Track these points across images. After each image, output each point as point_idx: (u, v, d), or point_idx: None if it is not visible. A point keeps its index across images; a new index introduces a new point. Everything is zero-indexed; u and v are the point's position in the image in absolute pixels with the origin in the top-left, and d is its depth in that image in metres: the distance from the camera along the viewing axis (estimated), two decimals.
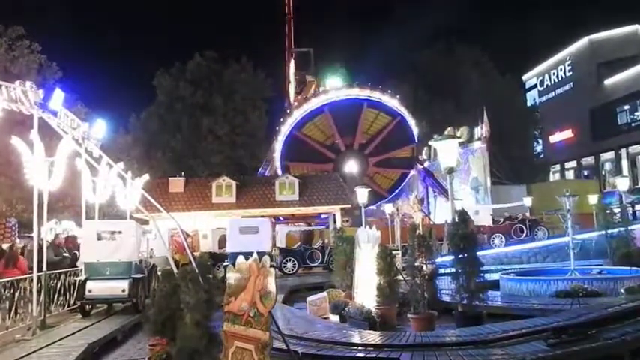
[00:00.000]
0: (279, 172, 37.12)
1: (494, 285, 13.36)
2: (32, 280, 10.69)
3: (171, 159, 41.60)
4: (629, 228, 16.82)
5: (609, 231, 16.85)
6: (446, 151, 10.67)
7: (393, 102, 37.98)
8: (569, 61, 54.77)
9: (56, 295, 12.27)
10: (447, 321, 10.27)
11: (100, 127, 14.96)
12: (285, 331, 7.56)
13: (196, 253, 16.02)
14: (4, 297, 10.21)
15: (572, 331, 7.39)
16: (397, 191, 39.19)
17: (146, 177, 20.48)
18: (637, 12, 45.33)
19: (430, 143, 13.52)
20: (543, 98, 58.53)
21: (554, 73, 57.23)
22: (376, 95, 37.59)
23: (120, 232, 13.17)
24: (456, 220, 10.27)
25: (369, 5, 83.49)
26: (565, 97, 54.75)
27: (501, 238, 25.17)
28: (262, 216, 25.64)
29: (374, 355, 7.64)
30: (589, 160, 52.05)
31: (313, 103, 37.38)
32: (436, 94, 47.28)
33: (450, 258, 11.25)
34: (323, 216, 30.12)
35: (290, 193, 27.32)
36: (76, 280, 12.48)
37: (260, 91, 46.68)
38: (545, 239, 23.05)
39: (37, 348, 8.77)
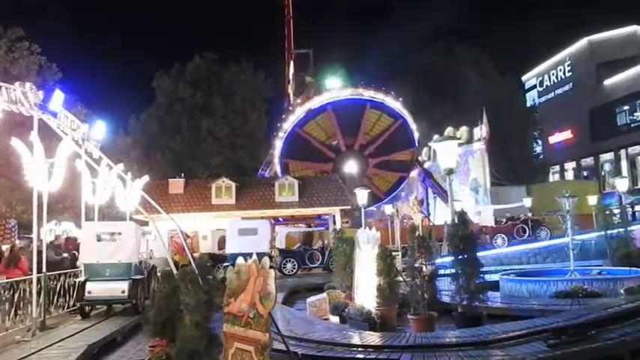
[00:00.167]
0: (278, 168, 37.12)
1: (494, 286, 13.36)
2: (32, 281, 10.69)
3: (170, 160, 41.59)
4: (629, 229, 16.82)
5: (609, 232, 16.85)
6: (445, 152, 10.67)
7: (396, 104, 37.98)
8: (568, 62, 54.81)
9: (56, 297, 12.27)
10: (446, 322, 10.27)
11: (100, 129, 14.97)
12: (285, 333, 7.55)
13: (196, 254, 16.03)
14: (3, 298, 10.21)
15: (572, 331, 7.39)
16: (394, 194, 39.19)
17: (146, 178, 20.48)
18: (636, 12, 45.43)
19: (430, 144, 13.52)
20: (543, 99, 58.57)
21: (553, 74, 57.26)
22: (380, 96, 37.57)
23: (119, 234, 13.17)
24: (456, 221, 10.27)
25: (368, 5, 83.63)
26: (565, 97, 54.78)
27: (504, 238, 25.19)
28: (262, 217, 25.65)
29: (374, 356, 7.64)
30: (588, 161, 52.06)
31: (317, 101, 37.32)
32: (436, 95, 47.31)
33: (449, 259, 11.25)
34: (323, 217, 30.11)
35: (290, 194, 27.32)
36: (75, 282, 12.48)
37: (260, 92, 46.70)
38: (548, 239, 23.02)
39: (36, 349, 8.77)
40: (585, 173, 52.69)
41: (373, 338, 8.78)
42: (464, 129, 38.81)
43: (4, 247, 13.36)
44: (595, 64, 50.73)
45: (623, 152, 47.22)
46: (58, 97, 11.62)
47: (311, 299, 12.99)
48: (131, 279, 12.44)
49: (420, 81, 48.72)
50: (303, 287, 18.63)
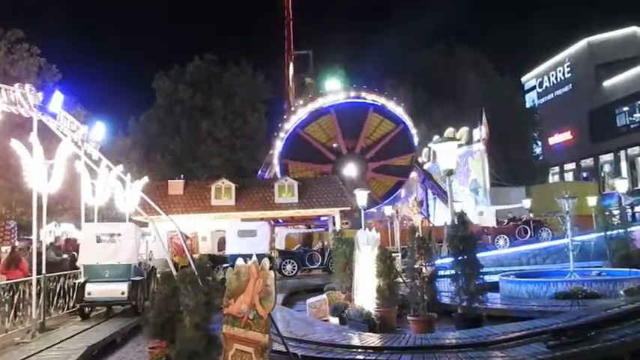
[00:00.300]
0: (278, 169, 37.09)
1: (494, 287, 13.38)
2: (31, 282, 10.69)
3: (170, 161, 41.59)
4: (629, 229, 16.80)
5: (609, 233, 16.85)
6: (445, 153, 10.67)
7: (398, 110, 38.08)
8: (568, 63, 54.83)
9: (55, 298, 12.27)
10: (446, 323, 10.27)
11: (99, 130, 14.98)
12: (284, 334, 7.55)
13: (195, 256, 16.03)
14: (2, 300, 10.20)
15: (571, 333, 7.39)
16: (390, 198, 39.24)
17: (145, 179, 20.49)
18: (636, 13, 45.43)
19: (430, 145, 13.54)
20: (542, 100, 58.59)
21: (553, 75, 57.28)
22: (382, 101, 37.66)
23: (119, 235, 13.17)
24: (456, 222, 10.27)
25: (368, 6, 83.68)
26: (564, 98, 54.78)
27: (505, 239, 25.19)
28: (262, 218, 25.65)
29: (374, 357, 7.63)
30: (588, 162, 52.04)
31: (320, 103, 37.32)
32: (435, 95, 47.33)
33: (449, 260, 11.26)
34: (322, 218, 30.10)
35: (289, 195, 27.31)
36: (75, 283, 12.48)
37: (259, 93, 46.70)
38: (550, 240, 23.01)
39: (36, 351, 8.77)
40: (585, 174, 52.68)
41: (373, 339, 8.78)
42: (464, 130, 38.84)
43: (4, 249, 13.37)
44: (594, 65, 50.74)
45: (622, 153, 47.21)
46: (58, 98, 11.63)
47: (311, 300, 12.99)
48: (131, 280, 12.44)
49: (420, 81, 48.74)
50: (303, 288, 18.64)
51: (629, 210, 28.51)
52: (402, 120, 38.09)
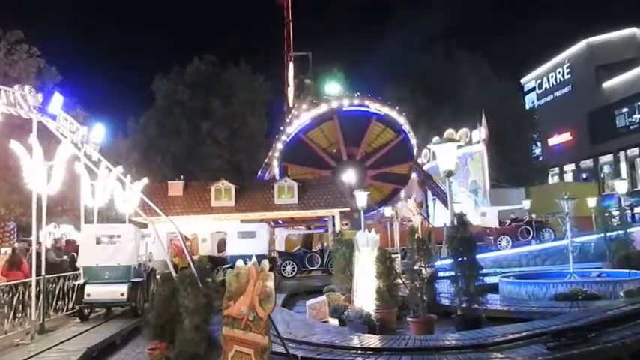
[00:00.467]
0: (277, 171, 37.09)
1: (494, 288, 13.37)
2: (31, 284, 10.68)
3: (170, 163, 41.57)
4: (628, 230, 16.81)
5: (608, 234, 16.86)
6: (445, 154, 10.68)
7: (400, 119, 38.32)
8: (567, 64, 54.90)
9: (55, 299, 12.26)
10: (446, 324, 10.27)
11: (99, 131, 14.97)
12: (284, 335, 7.55)
13: (195, 257, 16.00)
14: (2, 301, 10.20)
15: (571, 334, 7.40)
16: (386, 205, 39.36)
17: (145, 181, 20.47)
18: (635, 15, 45.52)
19: (429, 146, 13.54)
20: (542, 101, 58.65)
21: (552, 76, 57.35)
22: (385, 110, 37.89)
23: (119, 236, 13.18)
24: (455, 223, 10.28)
25: (368, 8, 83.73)
26: (563, 99, 54.85)
27: (508, 239, 25.20)
28: (261, 219, 25.64)
29: (373, 358, 7.64)
30: (588, 163, 52.10)
31: (323, 109, 37.44)
32: (435, 97, 47.32)
33: (449, 261, 11.25)
34: (325, 219, 30.10)
35: (289, 196, 27.32)
36: (74, 284, 12.47)
37: (259, 94, 46.69)
38: (552, 241, 22.99)
39: (35, 352, 8.76)
40: (584, 175, 52.75)
41: (372, 341, 8.78)
42: (463, 131, 38.84)
43: (4, 250, 13.39)
44: (594, 67, 50.83)
45: (622, 154, 47.28)
46: (58, 99, 11.63)
47: (310, 302, 12.98)
48: (130, 281, 12.44)
49: (420, 83, 48.75)
50: (303, 290, 18.64)
51: (629, 211, 28.55)
52: (404, 130, 38.38)
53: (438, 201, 39.04)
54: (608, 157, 49.15)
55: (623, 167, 46.99)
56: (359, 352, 8.05)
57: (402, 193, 40.89)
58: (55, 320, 11.95)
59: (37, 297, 10.67)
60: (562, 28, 50.14)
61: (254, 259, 5.89)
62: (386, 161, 38.28)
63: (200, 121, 43.11)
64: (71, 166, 13.33)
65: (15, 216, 22.43)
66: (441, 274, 12.41)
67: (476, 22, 71.13)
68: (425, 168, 41.42)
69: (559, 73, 56.18)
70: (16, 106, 10.42)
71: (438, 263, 14.83)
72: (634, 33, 50.69)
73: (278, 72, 48.88)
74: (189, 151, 42.87)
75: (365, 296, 11.23)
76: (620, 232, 16.62)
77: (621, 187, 22.20)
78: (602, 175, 50.09)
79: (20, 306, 10.63)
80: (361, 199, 17.44)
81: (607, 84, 48.89)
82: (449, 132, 36.58)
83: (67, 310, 12.68)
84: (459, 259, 9.90)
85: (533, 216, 26.87)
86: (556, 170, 55.99)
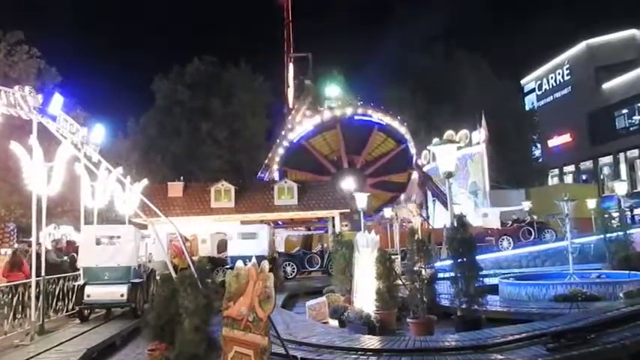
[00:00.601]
0: (276, 175, 37.15)
1: (494, 289, 13.37)
2: (31, 285, 10.68)
3: (170, 163, 41.54)
4: (628, 232, 16.83)
5: (608, 235, 16.87)
6: (445, 155, 10.68)
7: (401, 129, 38.51)
8: (567, 66, 54.92)
9: (55, 300, 12.26)
10: (446, 326, 10.26)
11: (99, 132, 14.97)
12: (284, 336, 7.55)
13: (195, 258, 16.00)
14: (2, 302, 10.20)
15: (571, 335, 7.40)
16: (381, 211, 39.48)
17: (145, 182, 20.46)
18: (635, 16, 45.54)
19: (429, 148, 13.55)
20: (542, 102, 58.67)
21: (552, 78, 57.38)
22: (388, 120, 38.04)
23: (118, 237, 13.18)
24: (455, 224, 10.28)
25: (368, 8, 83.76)
26: (563, 101, 54.87)
27: (510, 240, 25.19)
28: (261, 220, 25.65)
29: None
30: (587, 164, 52.12)
31: (327, 116, 37.57)
32: (435, 98, 47.29)
33: (449, 262, 11.25)
34: (324, 220, 30.12)
35: (289, 197, 27.34)
36: (74, 285, 12.47)
37: (259, 95, 46.70)
38: (554, 241, 23.00)
39: (35, 353, 8.75)
40: (584, 177, 52.75)
41: (372, 342, 8.78)
42: (463, 132, 38.86)
43: (3, 251, 13.39)
44: (594, 68, 50.85)
45: (622, 155, 47.28)
46: (58, 100, 11.62)
47: (310, 303, 12.98)
48: (130, 282, 12.44)
49: (420, 83, 48.74)
50: (303, 291, 18.65)
51: (629, 212, 28.59)
52: (405, 140, 38.60)
53: (437, 202, 39.05)
54: (608, 159, 49.17)
55: (623, 168, 46.99)
56: (359, 353, 8.05)
57: (402, 195, 40.93)
58: (55, 321, 11.95)
59: (37, 298, 10.66)
60: (562, 29, 50.25)
61: (254, 259, 5.89)
62: (385, 169, 38.60)
63: (200, 122, 43.11)
64: (71, 167, 13.33)
65: (15, 217, 22.41)
66: (440, 275, 12.39)
67: (476, 22, 71.22)
68: (425, 169, 41.43)
69: (559, 74, 56.20)
70: (16, 107, 10.42)
71: (438, 264, 14.81)
72: (634, 34, 50.73)
73: (278, 72, 48.99)
74: (189, 151, 42.86)
75: (365, 297, 11.22)
76: (620, 233, 16.63)
77: (621, 188, 22.20)
78: (601, 177, 50.08)
79: (20, 307, 10.62)
80: (361, 200, 17.44)
81: (607, 85, 48.91)
82: (449, 133, 36.56)
83: (66, 311, 12.68)
84: (459, 260, 9.90)
85: (535, 217, 26.86)
86: (556, 171, 56.00)
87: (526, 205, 28.29)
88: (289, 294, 17.56)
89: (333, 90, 40.96)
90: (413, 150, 39.02)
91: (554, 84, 56.92)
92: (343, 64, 46.80)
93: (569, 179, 54.19)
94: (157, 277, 13.50)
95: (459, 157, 29.76)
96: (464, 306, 9.66)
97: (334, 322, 11.78)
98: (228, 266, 18.41)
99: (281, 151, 37.33)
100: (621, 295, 11.17)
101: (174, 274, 8.01)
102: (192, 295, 6.35)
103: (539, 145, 56.83)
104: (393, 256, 12.64)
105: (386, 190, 39.77)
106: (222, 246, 25.44)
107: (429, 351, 7.81)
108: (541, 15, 64.71)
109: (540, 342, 7.47)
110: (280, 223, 31.00)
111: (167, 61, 61.53)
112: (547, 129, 54.32)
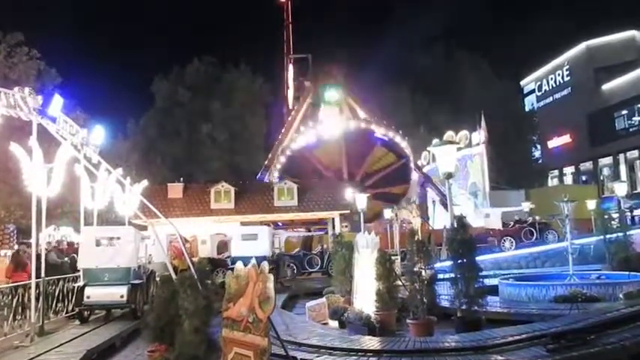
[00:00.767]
0: (276, 175, 37.15)
1: (494, 290, 13.36)
2: (31, 286, 10.67)
3: (169, 165, 41.56)
4: (628, 233, 16.83)
5: (608, 236, 16.88)
6: (444, 156, 10.69)
7: (403, 144, 38.70)
8: (567, 67, 54.95)
9: (54, 302, 12.25)
10: (446, 326, 10.25)
11: (99, 133, 14.96)
12: (284, 337, 7.55)
13: (195, 259, 15.99)
14: (2, 303, 10.19)
15: (571, 336, 7.39)
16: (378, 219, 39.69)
17: (145, 183, 20.47)
18: (634, 17, 45.56)
19: (429, 148, 13.55)
20: (541, 103, 58.70)
21: (552, 78, 57.41)
22: (390, 135, 38.28)
23: (118, 238, 13.17)
24: (455, 225, 10.28)
25: (368, 8, 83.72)
26: (563, 102, 54.90)
27: (511, 241, 25.19)
28: (261, 222, 25.65)
29: None
30: (587, 165, 52.14)
31: (331, 128, 37.71)
32: (435, 99, 47.38)
33: (448, 263, 11.25)
34: (324, 221, 30.12)
35: (289, 198, 27.35)
36: (74, 286, 12.47)
37: (259, 96, 46.74)
38: (556, 242, 22.99)
39: (35, 355, 8.75)
40: (584, 177, 52.76)
41: (372, 343, 8.78)
42: (463, 133, 38.89)
43: (3, 252, 13.39)
44: (593, 69, 50.89)
45: (621, 156, 47.31)
46: (57, 101, 11.62)
47: (310, 304, 12.98)
48: (130, 284, 12.43)
49: (419, 83, 48.81)
50: (303, 292, 18.64)
51: (629, 213, 28.57)
52: (405, 155, 38.83)
53: (437, 203, 39.07)
54: (608, 160, 49.18)
55: (623, 169, 47.02)
56: (359, 354, 8.04)
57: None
58: (55, 322, 11.94)
59: (37, 299, 10.66)
60: (562, 29, 50.25)
61: (253, 260, 5.89)
62: (384, 182, 38.94)
63: (200, 123, 43.14)
64: (71, 168, 13.32)
65: (15, 218, 22.42)
66: (440, 276, 12.38)
67: (476, 22, 71.11)
68: (425, 170, 41.46)
69: (558, 75, 56.24)
70: (16, 108, 10.43)
71: (438, 265, 14.80)
72: (633, 35, 50.76)
73: (278, 74, 48.98)
74: (189, 152, 42.88)
75: (365, 298, 11.22)
76: (620, 234, 16.63)
77: (621, 189, 22.19)
78: (601, 178, 50.09)
79: (20, 308, 10.61)
80: (361, 201, 17.45)
81: (606, 86, 48.94)
82: (448, 134, 36.63)
83: (66, 313, 12.67)
84: (459, 261, 9.89)
85: (537, 217, 26.84)
86: (556, 172, 56.02)
87: (526, 206, 28.28)
88: (289, 295, 17.56)
89: (332, 95, 40.97)
90: (412, 164, 39.49)
91: (554, 85, 56.96)
92: (343, 64, 46.80)
93: (568, 180, 54.20)
94: (157, 279, 13.50)
95: (458, 157, 29.77)
96: (464, 307, 9.66)
97: (334, 323, 11.78)
98: (230, 267, 18.42)
99: (283, 159, 37.45)
100: (621, 296, 11.17)
101: (174, 276, 8.00)
102: (192, 297, 6.35)
103: (538, 146, 56.88)
104: (392, 257, 12.64)
105: (386, 201, 39.90)
106: (221, 247, 25.45)
107: (429, 352, 7.81)
108: (541, 15, 64.76)
109: (540, 343, 7.47)
110: (280, 224, 30.98)
111: (167, 62, 61.55)
112: (547, 130, 54.36)
